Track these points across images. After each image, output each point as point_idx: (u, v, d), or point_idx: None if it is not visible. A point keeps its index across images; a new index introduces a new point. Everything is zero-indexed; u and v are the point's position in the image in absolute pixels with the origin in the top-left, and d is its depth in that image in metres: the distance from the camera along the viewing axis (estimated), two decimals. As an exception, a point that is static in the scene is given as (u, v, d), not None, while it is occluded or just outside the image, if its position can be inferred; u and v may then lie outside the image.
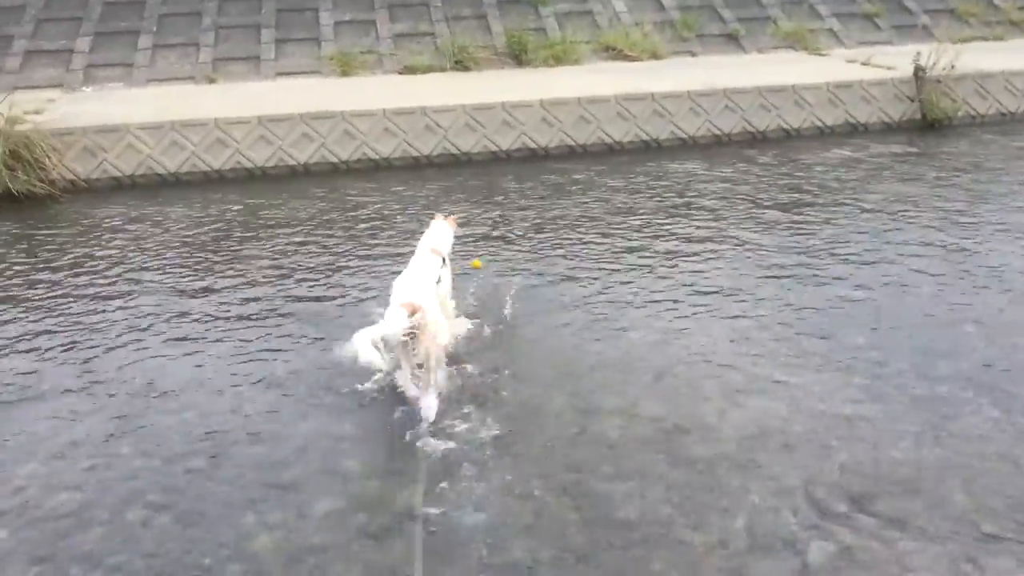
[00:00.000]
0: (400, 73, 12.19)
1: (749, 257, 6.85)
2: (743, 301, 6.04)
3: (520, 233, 7.54)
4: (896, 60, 11.73)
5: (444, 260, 5.12)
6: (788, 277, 6.45)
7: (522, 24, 13.17)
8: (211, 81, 11.57)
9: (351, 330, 4.33)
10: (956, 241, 7.10)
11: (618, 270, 6.65)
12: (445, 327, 4.77)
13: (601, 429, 4.54)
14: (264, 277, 6.65)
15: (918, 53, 11.34)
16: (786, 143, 10.72)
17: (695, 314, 5.86)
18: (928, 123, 11.27)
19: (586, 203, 8.36)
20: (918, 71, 11.29)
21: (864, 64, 12.20)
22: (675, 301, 6.05)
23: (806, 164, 9.65)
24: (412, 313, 4.30)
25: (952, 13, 14.94)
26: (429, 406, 4.54)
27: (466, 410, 4.64)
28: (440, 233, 5.27)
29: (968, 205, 8.10)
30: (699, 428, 4.53)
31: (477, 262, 6.16)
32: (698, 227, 7.59)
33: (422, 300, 4.46)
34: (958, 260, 6.71)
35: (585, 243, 7.26)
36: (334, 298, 6.24)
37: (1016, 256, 6.77)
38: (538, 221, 7.87)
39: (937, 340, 5.43)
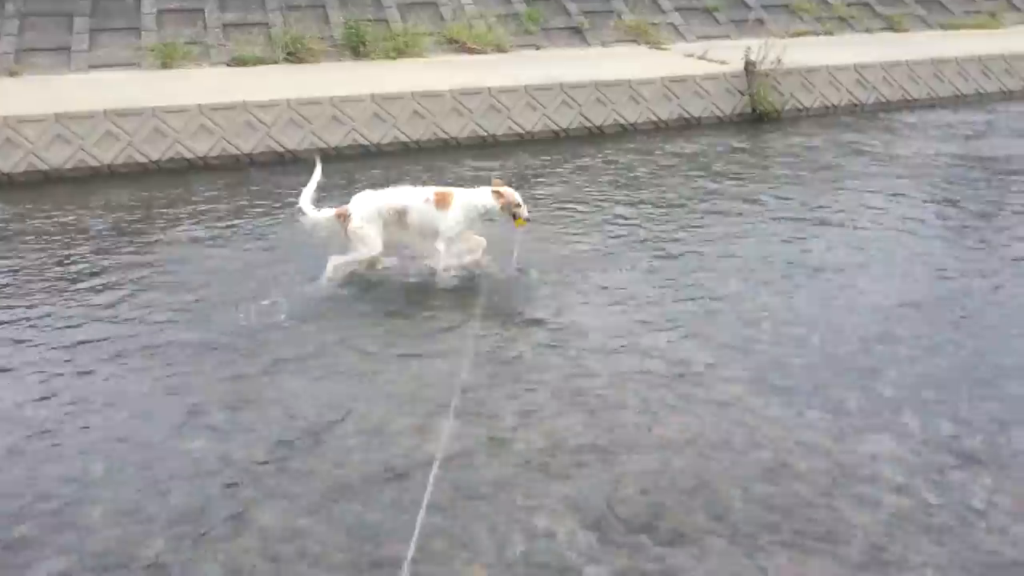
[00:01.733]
0: (228, 65, 11.55)
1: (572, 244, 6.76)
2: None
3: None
4: (732, 54, 11.96)
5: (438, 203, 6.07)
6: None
7: (362, 15, 12.75)
8: (12, 74, 10.62)
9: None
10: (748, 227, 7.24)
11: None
12: (365, 238, 6.02)
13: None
14: None
15: (748, 48, 11.63)
16: (623, 138, 10.77)
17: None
18: (758, 116, 11.56)
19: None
20: (748, 65, 11.57)
21: (700, 58, 12.41)
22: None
23: (627, 161, 9.69)
24: (339, 216, 6.03)
25: (786, 8, 15.45)
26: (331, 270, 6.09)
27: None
28: (469, 193, 6.17)
29: (775, 198, 8.27)
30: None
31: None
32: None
33: (355, 209, 6.03)
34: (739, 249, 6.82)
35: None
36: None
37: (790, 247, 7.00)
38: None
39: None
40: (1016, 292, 6.18)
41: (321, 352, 5.23)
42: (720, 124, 11.44)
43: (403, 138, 10.03)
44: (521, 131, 10.52)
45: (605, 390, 4.82)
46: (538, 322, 5.65)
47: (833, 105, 12.12)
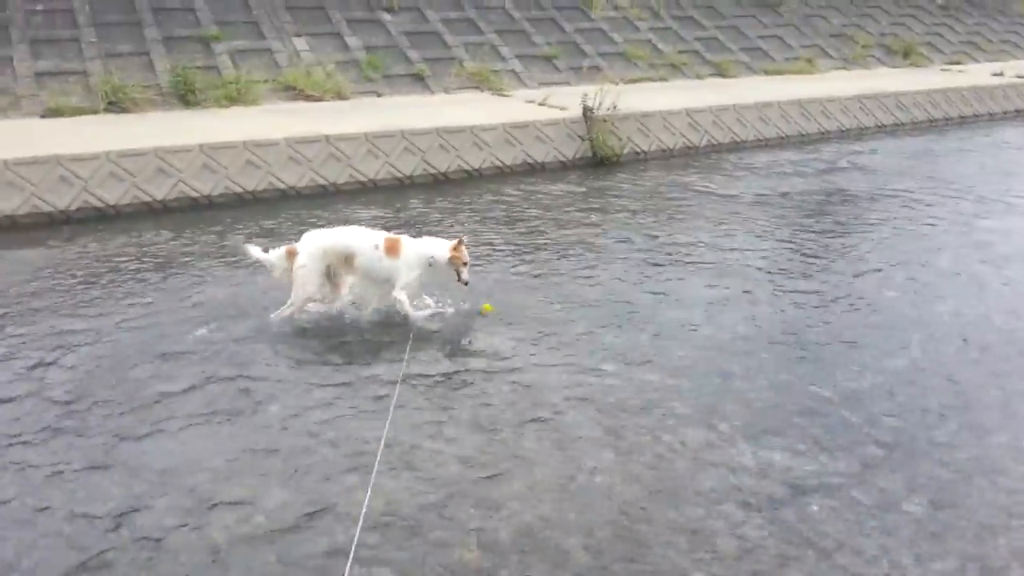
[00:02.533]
0: (43, 116, 10.70)
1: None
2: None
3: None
4: (571, 100, 12.22)
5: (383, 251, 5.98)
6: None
7: (191, 62, 12.16)
8: None
9: None
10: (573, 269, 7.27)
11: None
12: (303, 279, 5.96)
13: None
14: None
15: (585, 94, 11.90)
16: (468, 184, 10.70)
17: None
18: (599, 160, 11.80)
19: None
20: (586, 111, 11.83)
21: (541, 104, 12.60)
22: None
23: (470, 203, 9.63)
24: (289, 253, 6.00)
25: (622, 56, 16.04)
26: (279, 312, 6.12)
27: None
28: (417, 243, 6.11)
29: (615, 239, 8.38)
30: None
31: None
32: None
33: (302, 249, 5.97)
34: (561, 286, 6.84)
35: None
36: None
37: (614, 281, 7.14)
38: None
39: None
40: (844, 325, 6.44)
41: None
42: (564, 168, 11.59)
43: (236, 189, 9.55)
44: (364, 179, 10.26)
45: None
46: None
47: (669, 148, 12.56)
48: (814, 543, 3.95)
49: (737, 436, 4.80)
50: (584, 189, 10.59)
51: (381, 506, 4.13)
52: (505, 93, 13.74)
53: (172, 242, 8.06)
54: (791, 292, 7.03)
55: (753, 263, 7.70)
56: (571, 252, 7.96)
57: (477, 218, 9.11)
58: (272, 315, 6.11)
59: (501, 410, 5.05)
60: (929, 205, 9.96)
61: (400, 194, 10.11)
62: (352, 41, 13.97)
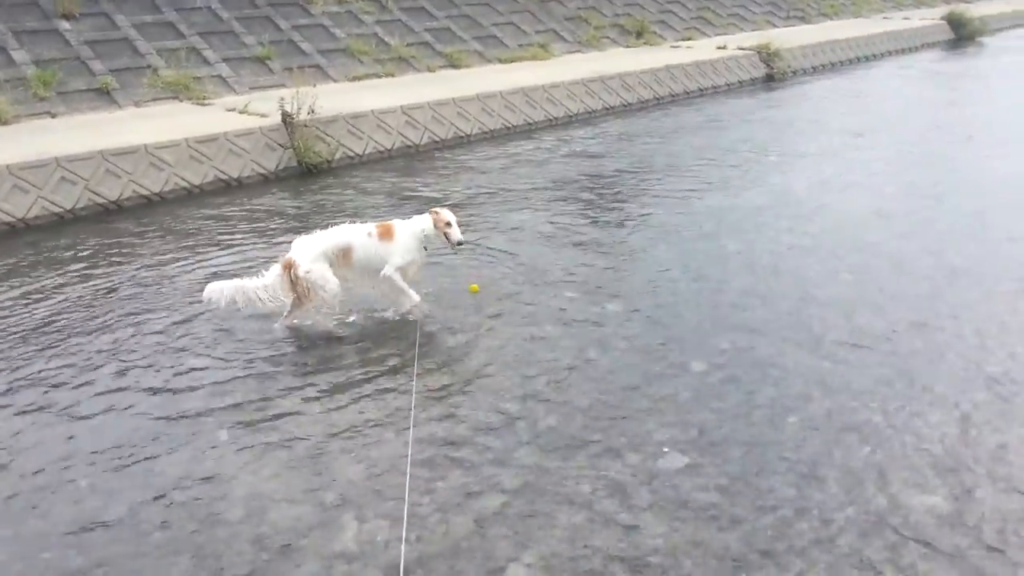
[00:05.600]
0: None
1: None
2: None
3: None
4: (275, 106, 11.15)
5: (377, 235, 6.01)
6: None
7: None
8: None
9: None
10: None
11: None
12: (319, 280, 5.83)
13: None
14: None
15: (282, 99, 10.91)
16: (147, 210, 9.43)
17: None
18: (306, 169, 10.85)
19: None
20: (285, 117, 10.84)
21: (241, 112, 11.46)
22: None
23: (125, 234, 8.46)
24: (287, 267, 5.80)
25: (344, 52, 15.11)
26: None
27: None
28: (408, 222, 6.11)
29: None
30: None
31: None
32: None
33: (300, 257, 5.83)
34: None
35: None
36: None
37: None
38: None
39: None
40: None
41: None
42: (265, 182, 10.55)
43: None
44: (9, 219, 8.75)
45: None
46: None
47: (387, 149, 11.80)
48: None
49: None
50: (283, 203, 9.62)
51: None
52: (206, 102, 12.46)
53: None
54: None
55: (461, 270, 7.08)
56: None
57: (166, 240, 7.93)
58: (275, 324, 6.08)
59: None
60: (641, 188, 9.82)
61: (57, 232, 8.71)
62: (19, 55, 12.17)
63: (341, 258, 5.97)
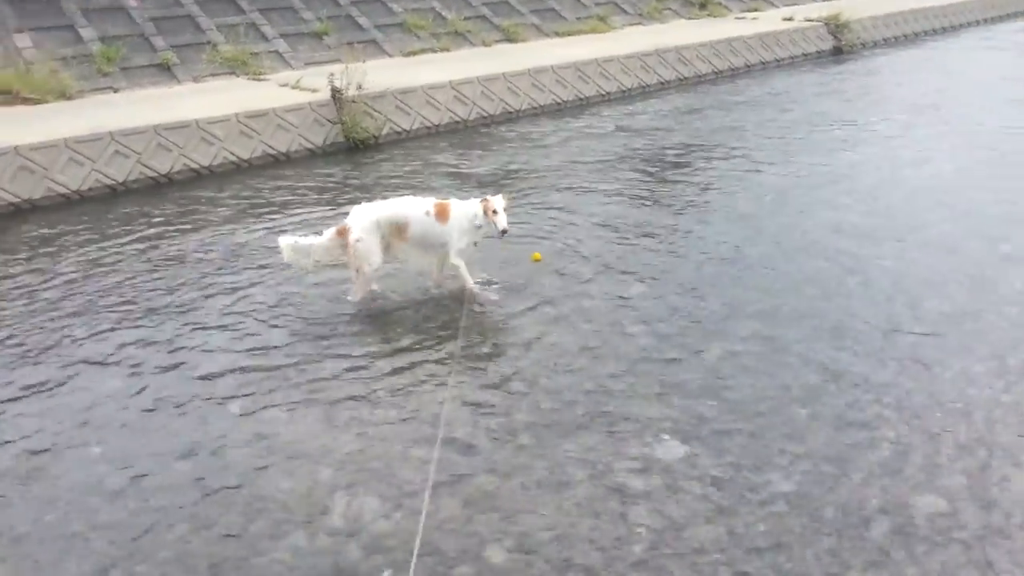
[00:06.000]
0: None
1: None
2: None
3: None
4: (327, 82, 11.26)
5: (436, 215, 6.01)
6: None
7: None
8: None
9: None
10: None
11: None
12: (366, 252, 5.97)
13: None
14: None
15: (331, 74, 11.02)
16: (195, 184, 9.71)
17: None
18: (353, 145, 10.97)
19: None
20: (335, 92, 10.96)
21: (294, 87, 11.65)
22: None
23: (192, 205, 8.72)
24: (340, 232, 5.95)
25: (401, 27, 15.16)
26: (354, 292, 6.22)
27: None
28: (465, 204, 6.10)
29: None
30: None
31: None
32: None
33: (354, 225, 5.93)
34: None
35: None
36: None
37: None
38: None
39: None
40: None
41: None
42: (312, 157, 10.72)
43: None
44: (65, 191, 9.13)
45: None
46: None
47: (435, 125, 11.84)
48: None
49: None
50: (327, 179, 9.76)
51: None
52: (262, 77, 12.69)
53: None
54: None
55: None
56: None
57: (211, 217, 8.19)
58: (349, 297, 6.25)
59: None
60: (694, 167, 9.64)
61: (111, 204, 9.05)
62: (86, 33, 12.60)
63: (396, 232, 6.03)
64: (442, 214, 6.00)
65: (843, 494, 4.08)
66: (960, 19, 20.34)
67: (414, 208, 6.07)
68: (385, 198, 6.51)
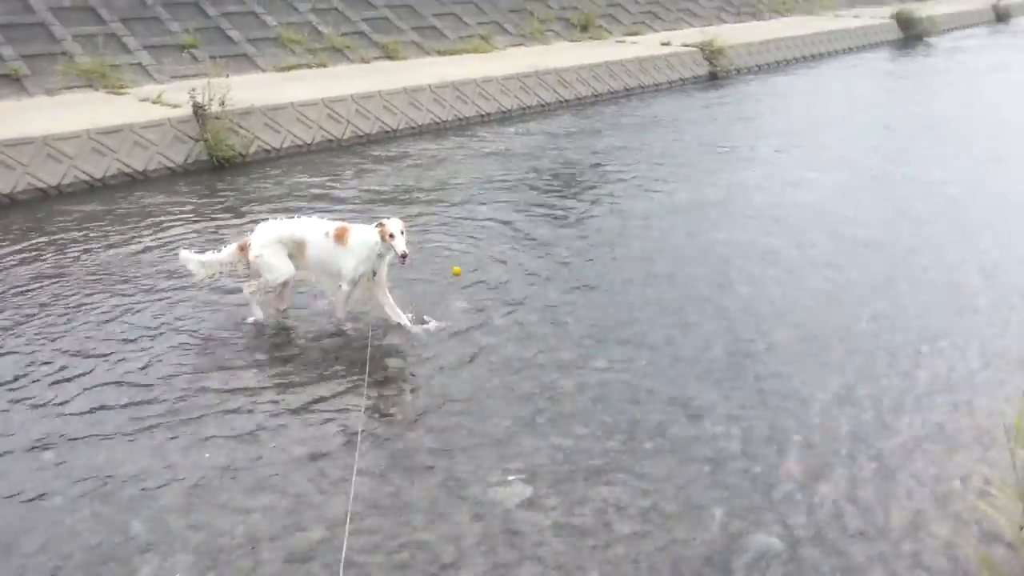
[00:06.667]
0: None
1: None
2: None
3: None
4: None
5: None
6: None
7: None
8: None
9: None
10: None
11: None
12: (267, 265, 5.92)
13: None
14: None
15: (193, 89, 10.54)
16: (39, 205, 9.05)
17: None
18: (217, 163, 10.50)
19: None
20: (197, 108, 10.48)
21: (155, 102, 11.09)
22: None
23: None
24: (242, 248, 6.02)
25: (275, 41, 14.74)
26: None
27: None
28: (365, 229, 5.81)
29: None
30: None
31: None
32: None
33: (255, 241, 5.97)
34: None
35: None
36: None
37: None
38: None
39: None
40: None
41: None
42: (172, 176, 10.20)
43: None
44: None
45: None
46: None
47: (306, 143, 11.48)
48: None
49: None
50: (184, 200, 9.28)
51: None
52: (122, 91, 12.04)
53: None
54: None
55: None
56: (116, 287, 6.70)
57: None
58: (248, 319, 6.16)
59: None
60: (568, 190, 9.62)
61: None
62: (-78, 38, 11.69)
63: (297, 250, 5.94)
64: (340, 237, 5.80)
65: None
66: (828, 47, 21.35)
67: (314, 229, 5.93)
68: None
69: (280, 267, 5.92)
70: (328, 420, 4.94)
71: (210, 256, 6.12)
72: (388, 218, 5.70)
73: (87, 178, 9.61)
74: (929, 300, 6.63)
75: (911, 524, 4.07)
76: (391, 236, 5.54)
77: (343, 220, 6.26)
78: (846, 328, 6.14)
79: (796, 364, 5.63)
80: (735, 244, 7.82)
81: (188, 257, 6.13)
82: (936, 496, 4.28)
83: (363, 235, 5.76)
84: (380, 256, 5.72)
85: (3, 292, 6.74)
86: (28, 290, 6.77)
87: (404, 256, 5.48)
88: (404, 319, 5.98)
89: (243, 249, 6.02)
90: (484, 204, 9.04)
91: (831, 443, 4.73)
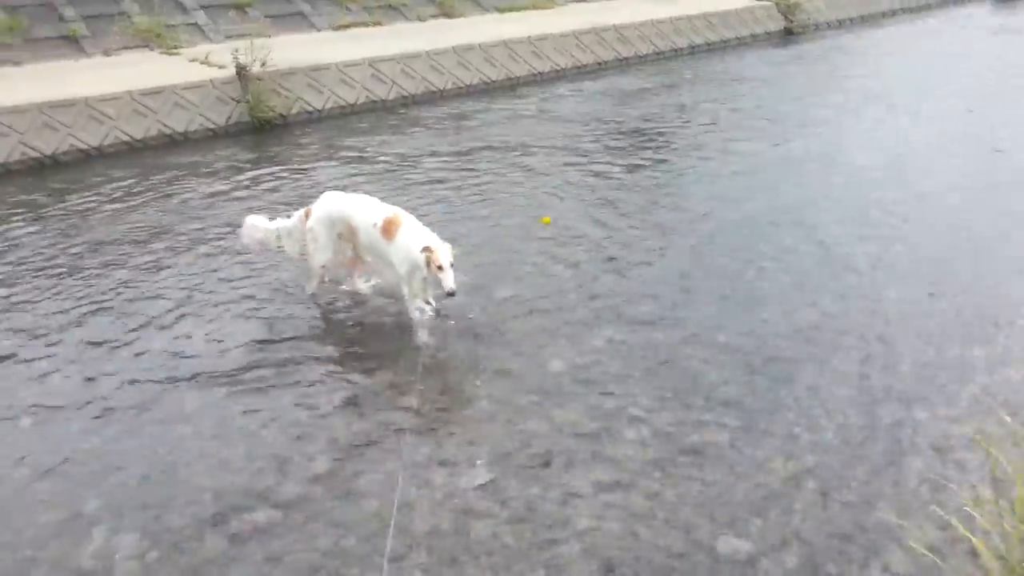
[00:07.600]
0: None
1: None
2: None
3: None
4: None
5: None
6: None
7: None
8: None
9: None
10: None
11: None
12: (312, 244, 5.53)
13: None
14: None
15: (236, 50, 10.53)
16: (83, 165, 9.24)
17: None
18: (259, 124, 10.50)
19: None
20: (240, 69, 10.47)
21: (203, 63, 11.15)
22: None
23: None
24: (307, 214, 5.53)
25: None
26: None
27: None
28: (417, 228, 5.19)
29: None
30: None
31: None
32: None
33: (315, 209, 5.50)
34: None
35: None
36: None
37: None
38: None
39: None
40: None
41: None
42: (213, 137, 10.24)
43: None
44: (-65, 173, 8.65)
45: None
46: None
47: (349, 104, 11.36)
48: None
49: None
50: (221, 161, 9.30)
51: None
52: (175, 51, 12.16)
53: None
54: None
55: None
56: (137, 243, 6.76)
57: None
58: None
59: None
60: (616, 156, 9.24)
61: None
62: (-13, 1, 12.02)
63: (349, 233, 5.44)
64: (388, 229, 5.17)
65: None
66: (919, 1, 19.93)
67: (365, 214, 5.32)
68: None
69: (320, 250, 5.50)
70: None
71: (279, 223, 5.71)
72: (435, 243, 4.95)
73: (127, 139, 9.73)
74: None
75: None
76: (440, 268, 4.87)
77: (394, 203, 5.57)
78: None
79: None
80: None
81: (254, 224, 5.72)
82: None
83: (408, 244, 5.07)
84: (423, 276, 5.14)
85: (37, 257, 6.86)
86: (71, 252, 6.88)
87: (452, 293, 4.88)
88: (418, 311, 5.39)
89: (308, 216, 5.56)
90: (520, 169, 8.75)
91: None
